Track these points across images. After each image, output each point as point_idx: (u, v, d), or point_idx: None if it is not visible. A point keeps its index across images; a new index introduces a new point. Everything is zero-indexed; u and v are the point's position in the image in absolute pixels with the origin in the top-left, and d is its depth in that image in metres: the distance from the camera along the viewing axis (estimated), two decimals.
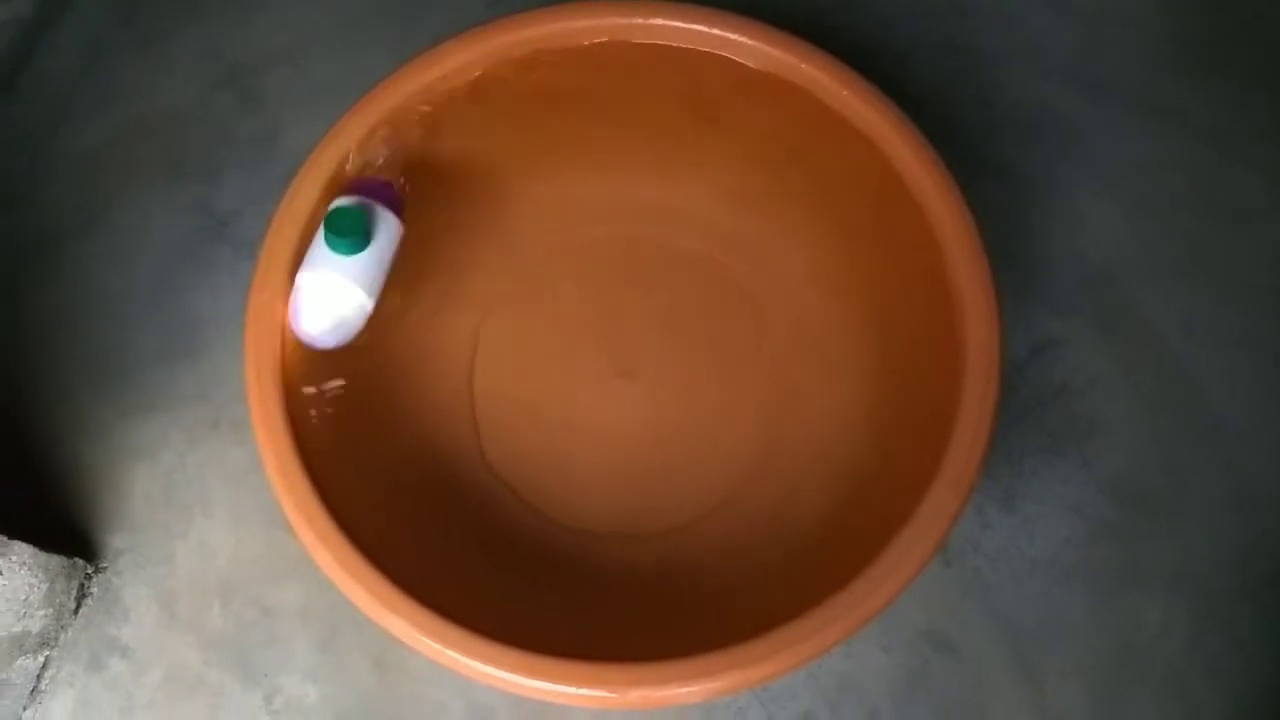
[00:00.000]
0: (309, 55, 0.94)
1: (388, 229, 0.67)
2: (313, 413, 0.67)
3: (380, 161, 0.70)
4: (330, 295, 0.65)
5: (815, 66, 0.70)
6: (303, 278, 0.65)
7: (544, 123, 0.79)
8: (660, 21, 0.72)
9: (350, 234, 0.65)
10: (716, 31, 0.71)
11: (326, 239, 0.65)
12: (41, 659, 0.76)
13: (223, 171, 0.90)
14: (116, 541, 0.79)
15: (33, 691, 0.75)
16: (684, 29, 0.71)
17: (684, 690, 0.58)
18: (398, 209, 0.69)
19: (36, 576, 0.72)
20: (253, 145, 0.91)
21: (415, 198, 0.77)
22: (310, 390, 0.67)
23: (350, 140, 0.70)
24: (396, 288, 0.78)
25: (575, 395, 0.79)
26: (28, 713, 0.75)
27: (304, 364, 0.67)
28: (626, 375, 0.79)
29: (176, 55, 0.95)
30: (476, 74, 0.73)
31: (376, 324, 0.76)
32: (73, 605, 0.77)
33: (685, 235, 0.82)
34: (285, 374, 0.65)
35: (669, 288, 0.82)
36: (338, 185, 0.69)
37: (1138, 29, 0.94)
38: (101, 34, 0.96)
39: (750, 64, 0.72)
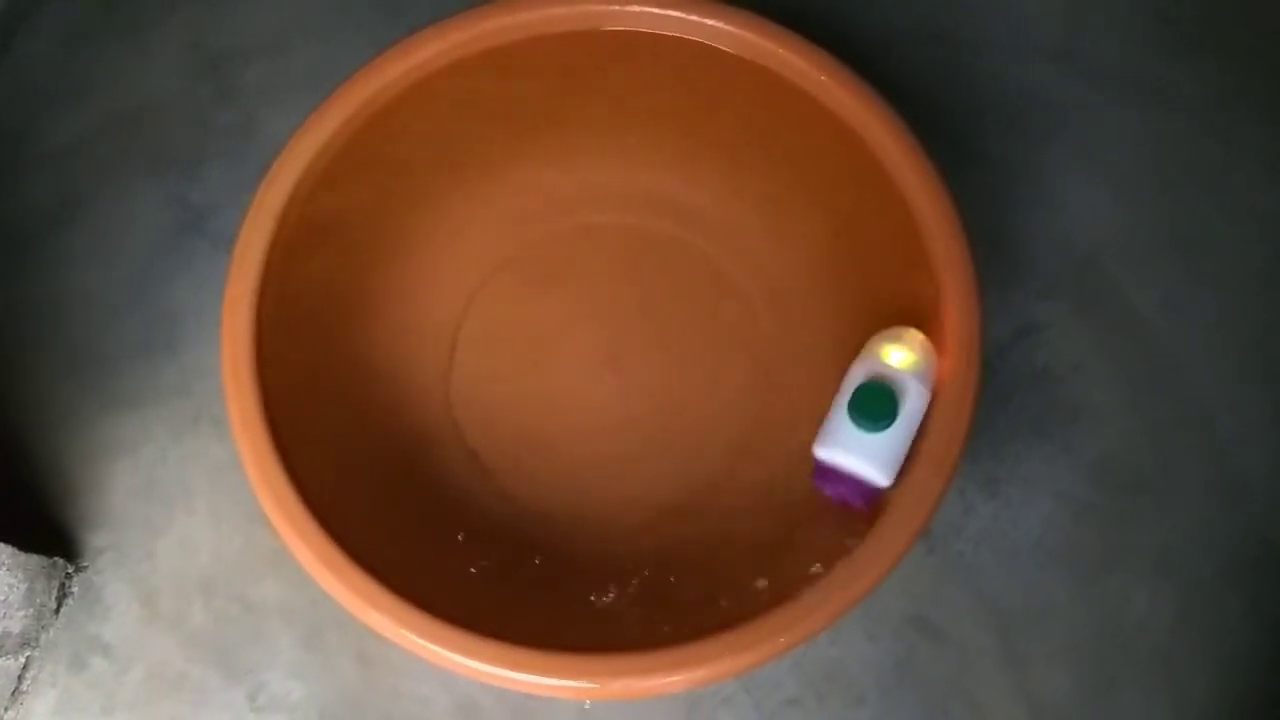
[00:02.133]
0: (290, 45, 0.93)
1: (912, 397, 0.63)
2: (292, 406, 0.66)
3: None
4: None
5: (793, 52, 0.70)
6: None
7: (526, 111, 0.79)
8: (638, 8, 0.71)
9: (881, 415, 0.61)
10: (694, 18, 0.71)
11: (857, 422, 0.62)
12: (22, 659, 0.75)
13: (202, 164, 0.89)
14: (97, 539, 0.78)
15: (14, 692, 0.75)
16: (661, 15, 0.71)
17: (667, 680, 0.58)
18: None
19: (16, 577, 0.72)
20: (232, 137, 0.90)
21: (393, 189, 0.77)
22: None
23: (326, 131, 0.69)
24: (379, 282, 0.78)
25: (560, 384, 0.79)
26: (9, 713, 0.74)
27: (282, 356, 0.66)
28: (612, 364, 0.79)
29: (157, 46, 0.94)
30: (455, 61, 0.72)
31: (357, 320, 0.76)
32: (53, 605, 0.76)
33: (669, 224, 0.82)
34: (262, 367, 0.65)
35: (654, 277, 0.81)
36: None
37: (1123, 11, 0.94)
38: (81, 24, 0.95)
39: (728, 50, 0.71)
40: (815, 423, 0.65)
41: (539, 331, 0.80)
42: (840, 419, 0.63)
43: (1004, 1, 0.94)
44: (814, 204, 0.78)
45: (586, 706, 0.62)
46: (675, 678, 0.58)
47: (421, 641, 0.59)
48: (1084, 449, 0.80)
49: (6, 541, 0.71)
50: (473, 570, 0.70)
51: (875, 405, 0.62)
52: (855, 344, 0.75)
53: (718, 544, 0.72)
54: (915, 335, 0.65)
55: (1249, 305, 0.85)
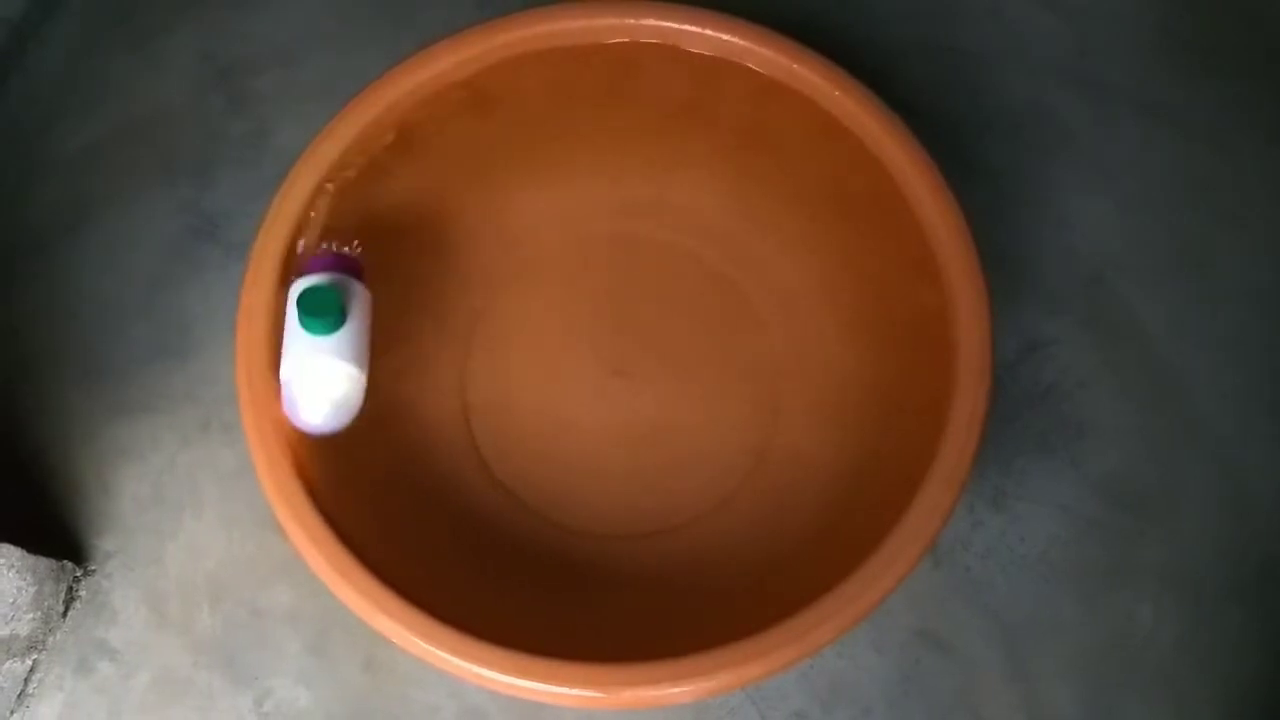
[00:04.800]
0: (302, 55, 0.94)
1: (359, 298, 0.66)
2: None
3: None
4: (322, 379, 0.63)
5: (806, 67, 0.71)
6: (287, 369, 0.63)
7: (536, 122, 0.79)
8: (651, 22, 0.72)
9: (325, 313, 0.63)
10: (708, 32, 0.71)
11: (302, 322, 0.63)
12: (29, 663, 0.75)
13: (214, 172, 0.90)
14: (105, 543, 0.78)
15: (20, 695, 0.75)
16: (675, 29, 0.72)
17: (676, 690, 0.58)
18: (359, 275, 0.67)
19: (24, 579, 0.72)
20: (244, 145, 0.91)
21: (406, 201, 0.77)
22: None
23: (343, 140, 0.70)
24: (389, 288, 0.78)
25: (570, 395, 0.79)
26: (15, 717, 0.74)
27: None
28: (621, 374, 0.79)
29: (169, 55, 0.94)
30: (469, 74, 0.73)
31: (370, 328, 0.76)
32: (61, 608, 0.76)
33: (679, 236, 0.83)
34: (276, 376, 0.65)
35: (664, 288, 0.82)
36: (293, 265, 0.67)
37: (1130, 27, 0.95)
38: (93, 33, 0.95)
39: (739, 63, 0.72)
40: (826, 439, 0.65)
41: (549, 340, 0.80)
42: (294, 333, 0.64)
43: (1011, 17, 0.95)
44: (824, 217, 0.78)
45: None
46: (684, 688, 0.58)
47: (431, 648, 0.59)
48: (1090, 465, 0.80)
49: (15, 544, 0.71)
50: (481, 577, 0.70)
51: (322, 305, 0.63)
52: (866, 359, 0.76)
53: (726, 558, 0.73)
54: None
55: (1255, 322, 0.85)
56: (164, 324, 0.85)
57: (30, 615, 0.73)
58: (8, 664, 0.74)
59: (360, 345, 0.65)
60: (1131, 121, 0.91)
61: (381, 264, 0.77)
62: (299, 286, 0.65)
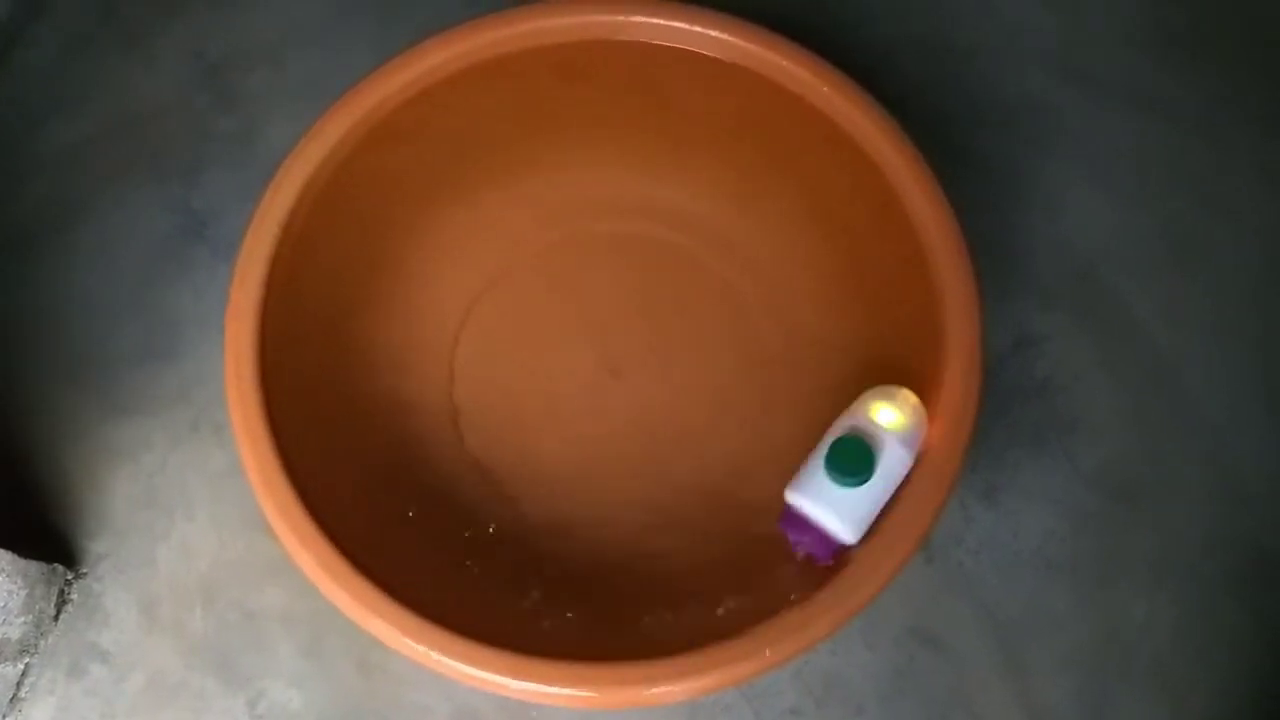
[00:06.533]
0: (291, 53, 0.93)
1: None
2: (294, 415, 0.66)
3: None
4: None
5: (793, 62, 0.70)
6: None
7: (525, 120, 0.79)
8: (639, 19, 0.72)
9: (864, 466, 0.60)
10: (697, 29, 0.71)
11: (844, 483, 0.60)
12: (21, 666, 0.75)
13: (203, 170, 0.89)
14: (97, 546, 0.78)
15: (12, 700, 0.74)
16: (662, 26, 0.71)
17: (669, 689, 0.58)
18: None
19: (15, 583, 0.71)
20: (233, 144, 0.90)
21: (395, 198, 0.77)
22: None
23: (330, 140, 0.69)
24: (381, 290, 0.78)
25: (561, 394, 0.78)
26: None
27: (284, 364, 0.66)
28: (613, 373, 0.79)
29: (157, 53, 0.94)
30: (457, 72, 0.72)
31: (359, 328, 0.76)
32: (53, 611, 0.76)
33: (670, 233, 0.82)
34: (265, 376, 0.65)
35: (657, 286, 0.81)
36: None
37: (1120, 18, 0.95)
38: (81, 31, 0.95)
39: (728, 60, 0.72)
40: (819, 435, 0.65)
41: (540, 339, 0.80)
42: (816, 468, 0.62)
43: (1002, 9, 0.95)
44: (816, 214, 0.78)
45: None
46: (678, 687, 0.58)
47: (422, 649, 0.59)
48: (1083, 458, 0.80)
49: (6, 548, 0.70)
50: (472, 577, 0.70)
51: (851, 460, 0.60)
52: (857, 353, 0.76)
53: (715, 559, 0.72)
54: (908, 398, 0.63)
55: (1247, 313, 0.85)
56: (153, 324, 0.84)
57: (22, 619, 0.73)
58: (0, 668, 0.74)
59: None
60: (1124, 114, 0.91)
61: (373, 256, 0.77)
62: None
